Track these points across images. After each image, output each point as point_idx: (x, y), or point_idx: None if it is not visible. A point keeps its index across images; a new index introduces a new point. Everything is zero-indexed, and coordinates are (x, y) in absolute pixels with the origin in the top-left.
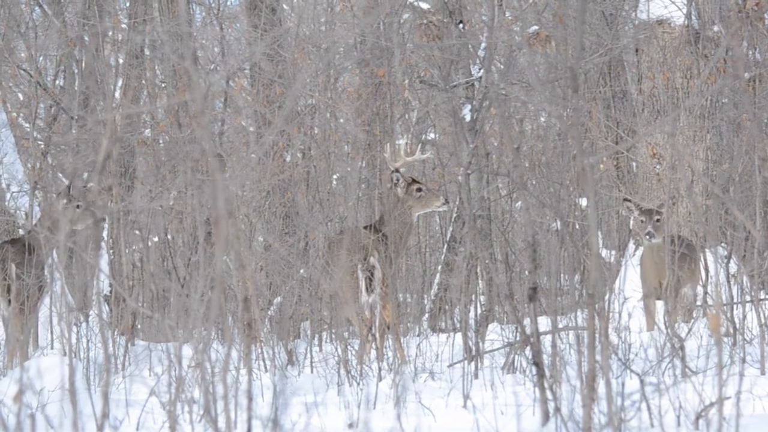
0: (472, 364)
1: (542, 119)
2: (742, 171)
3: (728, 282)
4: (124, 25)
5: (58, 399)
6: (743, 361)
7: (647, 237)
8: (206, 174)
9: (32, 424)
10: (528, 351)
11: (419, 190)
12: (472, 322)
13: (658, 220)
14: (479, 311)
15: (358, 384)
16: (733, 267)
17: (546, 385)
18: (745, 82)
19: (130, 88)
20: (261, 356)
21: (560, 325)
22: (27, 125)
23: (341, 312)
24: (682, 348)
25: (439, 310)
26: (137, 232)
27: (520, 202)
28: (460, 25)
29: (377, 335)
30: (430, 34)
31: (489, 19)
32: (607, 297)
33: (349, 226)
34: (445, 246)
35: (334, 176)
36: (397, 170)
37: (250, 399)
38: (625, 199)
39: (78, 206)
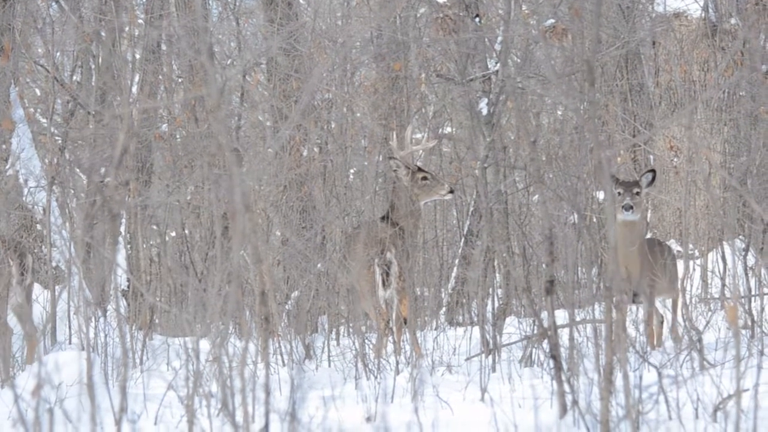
0: (490, 357)
1: (559, 112)
2: (759, 163)
3: (746, 274)
4: (140, 21)
5: (76, 393)
6: (761, 353)
7: (623, 210)
8: (223, 168)
9: (50, 419)
10: (545, 344)
11: (424, 178)
12: (489, 315)
13: (637, 193)
14: (496, 305)
15: (376, 378)
16: (750, 259)
17: (563, 378)
18: (762, 74)
19: (147, 83)
20: (278, 350)
21: (577, 319)
22: (44, 120)
23: (358, 306)
24: (699, 340)
25: (457, 304)
26: (154, 226)
27: (537, 196)
28: (477, 19)
29: (394, 329)
30: (447, 28)
31: (505, 13)
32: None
33: (366, 220)
34: (462, 239)
35: (351, 170)
36: (393, 157)
37: (267, 393)
38: None
39: None
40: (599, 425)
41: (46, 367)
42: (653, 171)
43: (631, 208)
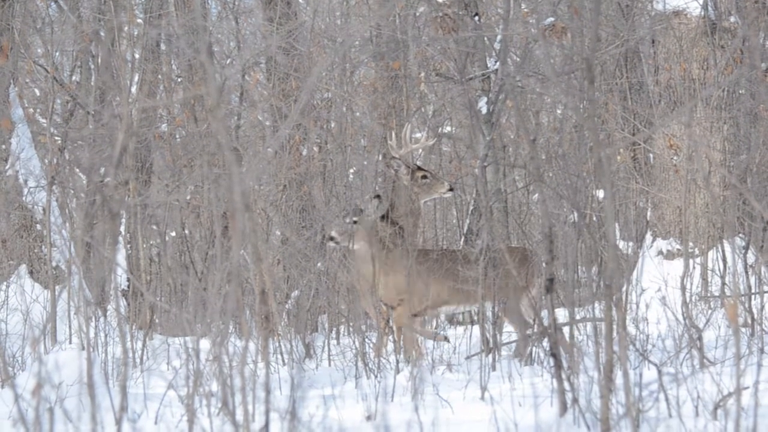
0: (490, 356)
1: (558, 111)
2: (759, 161)
3: (746, 272)
4: (139, 20)
5: (77, 393)
6: (761, 351)
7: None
8: (223, 168)
9: (51, 418)
10: (545, 342)
11: (424, 177)
12: (489, 314)
13: (354, 222)
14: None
15: (376, 376)
16: (751, 257)
17: (564, 376)
18: (761, 72)
19: (146, 82)
20: (279, 349)
21: (578, 317)
22: (44, 121)
23: (358, 305)
24: (699, 338)
25: None
26: (154, 226)
27: (536, 194)
28: (476, 18)
29: (394, 328)
30: (446, 27)
31: (504, 11)
32: (624, 288)
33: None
34: (462, 238)
35: (351, 170)
36: (394, 156)
37: (268, 392)
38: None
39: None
40: (599, 423)
41: (47, 366)
42: (378, 197)
43: (332, 239)
